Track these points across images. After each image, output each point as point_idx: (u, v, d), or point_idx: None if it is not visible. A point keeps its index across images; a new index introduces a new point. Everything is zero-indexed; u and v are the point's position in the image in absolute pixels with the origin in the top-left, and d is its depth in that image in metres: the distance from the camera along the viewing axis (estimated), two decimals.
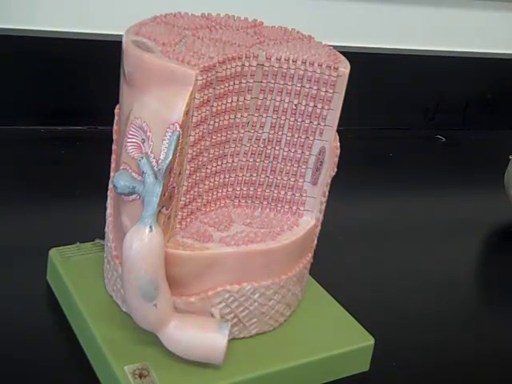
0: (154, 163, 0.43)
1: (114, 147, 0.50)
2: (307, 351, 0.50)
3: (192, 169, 0.47)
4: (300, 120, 0.48)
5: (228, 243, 0.47)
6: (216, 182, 0.50)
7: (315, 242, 0.53)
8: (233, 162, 0.50)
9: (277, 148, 0.50)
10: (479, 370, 0.56)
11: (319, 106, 0.48)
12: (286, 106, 0.48)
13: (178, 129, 0.42)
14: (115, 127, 0.50)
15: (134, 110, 0.44)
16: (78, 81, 0.82)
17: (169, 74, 0.43)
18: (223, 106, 0.47)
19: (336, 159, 0.50)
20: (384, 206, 0.81)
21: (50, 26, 0.80)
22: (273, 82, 0.47)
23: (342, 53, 0.49)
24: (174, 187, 0.45)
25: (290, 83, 0.47)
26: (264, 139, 0.49)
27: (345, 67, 0.47)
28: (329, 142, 0.49)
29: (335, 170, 0.51)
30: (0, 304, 0.54)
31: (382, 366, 0.53)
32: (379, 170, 0.89)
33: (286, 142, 0.49)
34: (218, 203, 0.51)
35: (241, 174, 0.50)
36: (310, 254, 0.53)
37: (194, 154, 0.46)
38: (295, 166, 0.50)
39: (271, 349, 0.49)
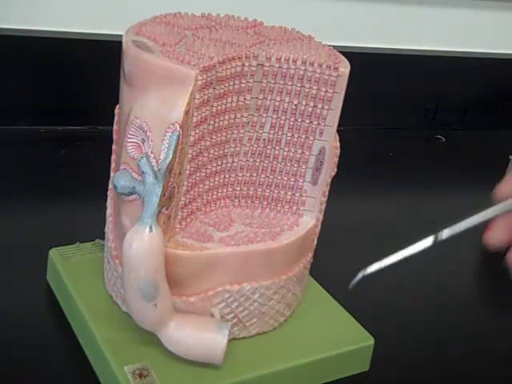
0: (154, 163, 0.43)
1: (114, 147, 0.50)
2: (307, 351, 0.50)
3: (192, 169, 0.47)
4: (300, 120, 0.48)
5: (228, 243, 0.47)
6: (216, 182, 0.50)
7: (315, 242, 0.53)
8: (233, 162, 0.50)
9: (277, 148, 0.50)
10: (479, 370, 0.56)
11: (319, 105, 0.48)
12: (286, 106, 0.48)
13: (178, 129, 0.42)
14: (115, 127, 0.50)
15: (134, 110, 0.44)
16: (78, 81, 0.82)
17: (169, 74, 0.43)
18: (223, 106, 0.47)
19: (336, 159, 0.50)
20: (384, 205, 0.81)
21: (51, 25, 0.80)
22: (273, 82, 0.47)
23: (341, 53, 0.49)
24: (174, 187, 0.45)
25: (289, 83, 0.47)
26: (264, 139, 0.49)
27: (345, 67, 0.47)
28: (329, 142, 0.49)
29: (335, 170, 0.51)
30: (0, 304, 0.54)
31: (381, 366, 0.53)
32: (379, 170, 0.89)
33: (286, 141, 0.49)
34: (218, 203, 0.51)
35: (241, 174, 0.50)
36: (310, 254, 0.53)
37: (194, 153, 0.46)
38: (295, 165, 0.50)
39: (271, 349, 0.49)
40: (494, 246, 0.40)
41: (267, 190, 0.51)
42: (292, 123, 0.49)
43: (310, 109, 0.48)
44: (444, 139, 1.03)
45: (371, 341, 0.52)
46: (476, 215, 0.41)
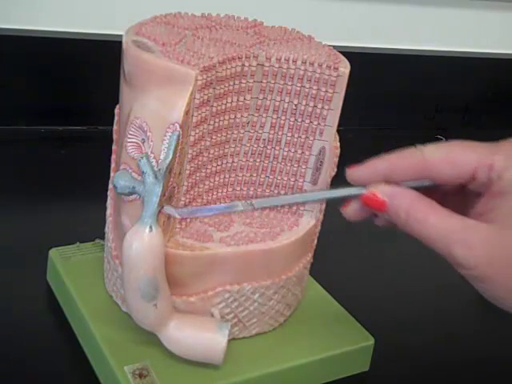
0: (154, 163, 0.43)
1: (114, 147, 0.50)
2: (307, 351, 0.50)
3: (192, 169, 0.47)
4: (300, 120, 0.48)
5: (228, 243, 0.47)
6: (216, 182, 0.50)
7: (315, 241, 0.53)
8: (233, 162, 0.50)
9: (277, 148, 0.50)
10: (479, 370, 0.56)
11: (319, 105, 0.48)
12: (285, 106, 0.48)
13: (178, 129, 0.42)
14: (115, 127, 0.50)
15: (134, 110, 0.44)
16: (78, 81, 0.82)
17: (169, 74, 0.43)
18: (223, 106, 0.47)
19: (336, 159, 0.50)
20: None
21: (50, 26, 0.80)
22: (273, 82, 0.47)
23: (341, 53, 0.49)
24: (174, 187, 0.45)
25: (289, 83, 0.47)
26: (264, 139, 0.49)
27: (345, 67, 0.47)
28: (329, 142, 0.49)
29: (335, 170, 0.51)
30: (0, 304, 0.54)
31: (381, 366, 0.53)
32: None
33: (286, 141, 0.49)
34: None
35: (241, 174, 0.50)
36: (310, 254, 0.53)
37: (194, 153, 0.46)
38: (295, 165, 0.50)
39: (271, 349, 0.49)
40: (351, 219, 0.42)
41: (267, 190, 0.51)
42: (292, 123, 0.49)
43: (310, 109, 0.48)
44: (444, 139, 1.03)
45: (371, 341, 0.52)
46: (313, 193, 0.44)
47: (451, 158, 0.37)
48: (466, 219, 0.37)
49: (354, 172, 0.40)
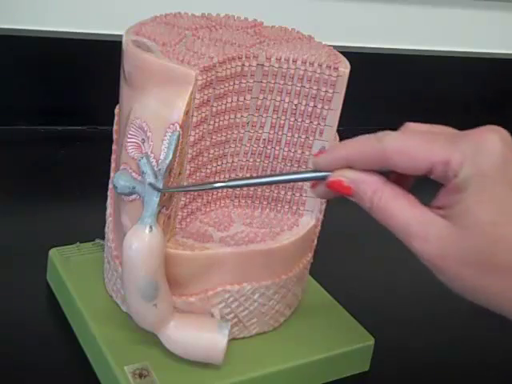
0: (154, 163, 0.43)
1: (114, 147, 0.50)
2: (307, 351, 0.50)
3: (192, 169, 0.47)
4: (300, 120, 0.48)
5: (228, 243, 0.47)
6: None
7: (315, 242, 0.53)
8: (233, 161, 0.50)
9: (277, 148, 0.50)
10: (479, 370, 0.56)
11: (319, 105, 0.48)
12: (285, 106, 0.48)
13: (178, 129, 0.42)
14: (115, 127, 0.50)
15: (134, 110, 0.44)
16: (78, 81, 0.82)
17: (169, 74, 0.43)
18: (223, 106, 0.47)
19: None
20: None
21: (50, 25, 0.80)
22: (273, 81, 0.47)
23: (341, 53, 0.49)
24: None
25: (289, 83, 0.47)
26: (264, 139, 0.49)
27: (345, 67, 0.47)
28: (329, 142, 0.49)
29: None
30: (0, 304, 0.54)
31: (381, 366, 0.53)
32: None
33: (285, 141, 0.49)
34: (218, 203, 0.51)
35: (241, 174, 0.50)
36: (310, 254, 0.53)
37: (194, 154, 0.46)
38: (295, 165, 0.50)
39: (271, 349, 0.49)
40: (321, 198, 0.45)
41: (267, 190, 0.51)
42: (292, 123, 0.49)
43: (310, 109, 0.48)
44: None
45: (371, 341, 0.52)
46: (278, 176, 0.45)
47: (407, 151, 0.37)
48: (426, 212, 0.37)
49: (318, 159, 0.40)
